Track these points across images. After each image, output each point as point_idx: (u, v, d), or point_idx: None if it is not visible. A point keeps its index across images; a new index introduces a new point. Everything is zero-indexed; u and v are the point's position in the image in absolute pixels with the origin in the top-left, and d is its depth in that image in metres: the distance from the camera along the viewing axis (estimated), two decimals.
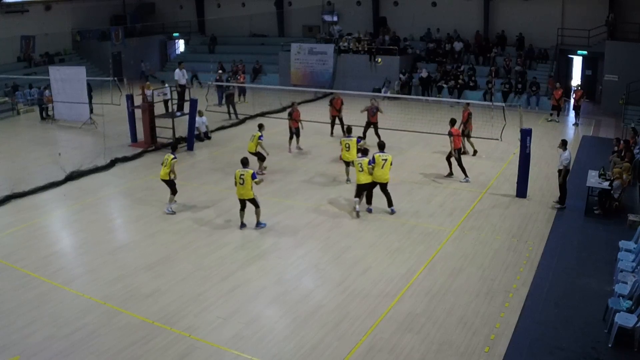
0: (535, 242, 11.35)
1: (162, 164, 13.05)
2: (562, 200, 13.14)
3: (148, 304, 9.19)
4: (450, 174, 15.29)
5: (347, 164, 14.64)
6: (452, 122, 15.17)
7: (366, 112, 18.10)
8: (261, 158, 15.51)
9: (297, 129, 17.65)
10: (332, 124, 19.51)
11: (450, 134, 14.93)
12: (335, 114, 19.34)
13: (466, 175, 14.97)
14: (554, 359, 7.73)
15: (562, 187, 13.08)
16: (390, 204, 12.83)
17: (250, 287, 9.72)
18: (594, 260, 10.53)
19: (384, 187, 12.72)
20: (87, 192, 14.76)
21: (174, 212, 13.03)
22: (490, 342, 8.10)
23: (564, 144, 13.06)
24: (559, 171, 13.02)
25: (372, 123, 17.96)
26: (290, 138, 17.79)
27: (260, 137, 15.10)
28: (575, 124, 21.58)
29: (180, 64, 20.83)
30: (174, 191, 13.09)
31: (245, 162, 11.99)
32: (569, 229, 12.03)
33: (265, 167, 15.67)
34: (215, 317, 8.81)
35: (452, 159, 15.07)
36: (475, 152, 17.33)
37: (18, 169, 16.77)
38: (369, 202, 12.96)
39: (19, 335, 8.33)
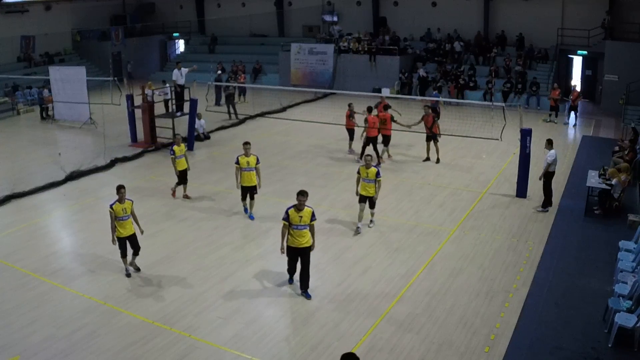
0: (535, 242, 11.35)
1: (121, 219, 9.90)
2: (546, 202, 12.94)
3: (148, 304, 9.19)
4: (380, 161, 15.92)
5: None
6: (369, 109, 16.04)
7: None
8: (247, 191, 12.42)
9: (352, 130, 17.23)
10: None
11: (365, 121, 15.84)
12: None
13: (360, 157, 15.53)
14: (554, 359, 7.73)
15: (547, 189, 12.90)
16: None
17: (250, 287, 9.72)
18: (594, 260, 10.52)
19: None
20: (87, 192, 14.76)
21: (129, 275, 10.25)
22: (490, 342, 8.10)
23: (549, 143, 12.80)
24: (552, 173, 12.79)
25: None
26: (351, 139, 17.41)
27: (257, 163, 12.26)
28: (574, 124, 21.58)
29: (177, 64, 20.83)
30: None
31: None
32: (569, 229, 12.03)
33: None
34: (215, 317, 8.81)
35: (371, 146, 15.70)
36: (437, 159, 16.49)
37: (18, 169, 16.76)
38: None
39: (19, 335, 8.33)
